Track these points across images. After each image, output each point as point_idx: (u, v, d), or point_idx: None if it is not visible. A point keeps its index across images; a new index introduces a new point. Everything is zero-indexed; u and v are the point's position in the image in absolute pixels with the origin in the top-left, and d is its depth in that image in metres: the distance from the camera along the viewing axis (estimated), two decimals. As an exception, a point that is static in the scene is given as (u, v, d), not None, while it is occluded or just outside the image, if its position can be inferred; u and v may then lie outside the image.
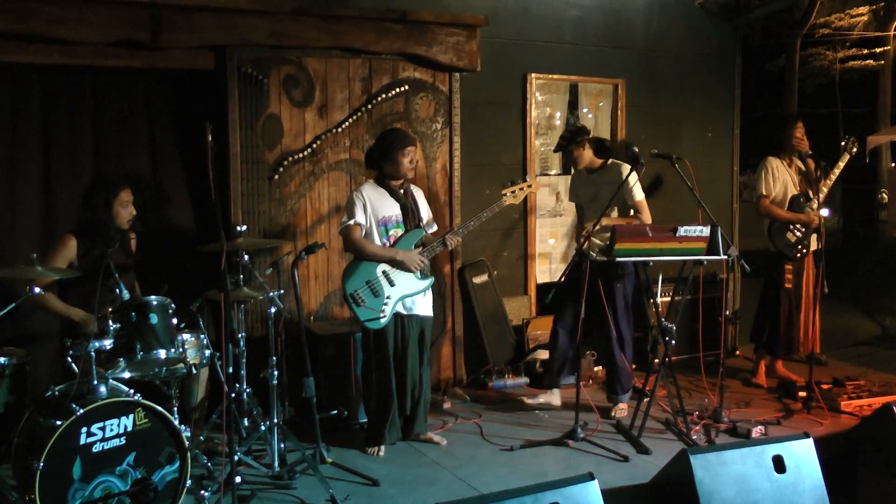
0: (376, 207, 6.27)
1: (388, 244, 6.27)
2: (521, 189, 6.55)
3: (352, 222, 6.20)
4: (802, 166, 7.85)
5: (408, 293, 6.30)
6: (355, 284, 6.18)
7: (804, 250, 7.80)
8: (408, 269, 6.25)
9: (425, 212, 6.58)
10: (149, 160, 7.13)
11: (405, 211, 6.37)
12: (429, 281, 6.41)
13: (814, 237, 7.78)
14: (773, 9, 10.38)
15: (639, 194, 7.12)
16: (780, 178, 7.75)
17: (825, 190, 7.68)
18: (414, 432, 6.56)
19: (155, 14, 6.51)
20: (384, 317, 6.20)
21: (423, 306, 6.44)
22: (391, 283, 6.24)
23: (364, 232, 6.24)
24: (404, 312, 6.33)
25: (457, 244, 6.52)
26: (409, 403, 6.45)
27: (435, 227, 6.63)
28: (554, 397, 7.42)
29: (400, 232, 6.32)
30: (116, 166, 6.98)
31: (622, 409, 7.21)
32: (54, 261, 5.78)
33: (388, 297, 6.22)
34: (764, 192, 7.76)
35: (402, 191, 6.39)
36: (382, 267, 6.23)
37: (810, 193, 7.68)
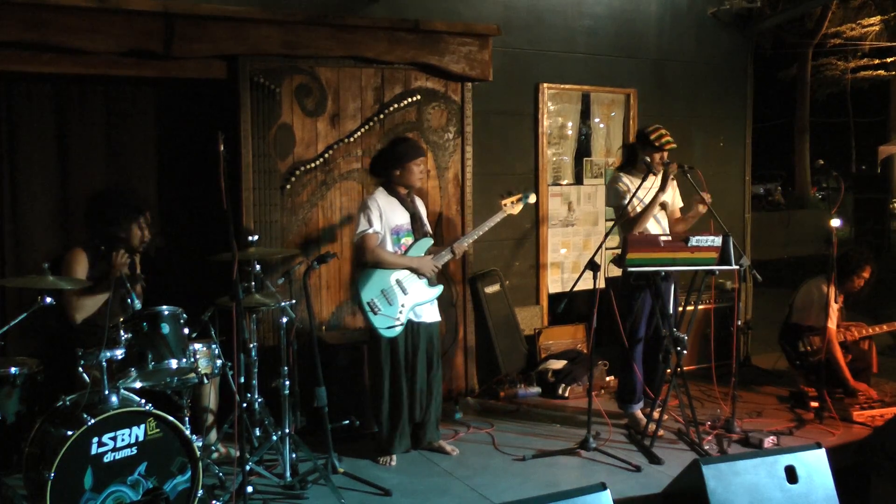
0: (389, 216, 6.28)
1: (399, 252, 6.29)
2: (519, 199, 6.59)
3: (370, 231, 6.20)
4: None
5: (420, 301, 6.32)
6: (371, 293, 6.19)
7: None
8: (422, 276, 6.30)
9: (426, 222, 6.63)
10: (161, 169, 7.14)
11: (414, 220, 6.40)
12: (438, 289, 6.46)
13: None
14: (785, 18, 10.38)
15: None
16: None
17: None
18: (426, 440, 6.56)
19: (168, 24, 6.53)
20: (399, 324, 6.22)
21: (431, 313, 6.48)
22: (404, 292, 6.25)
23: (379, 240, 6.26)
24: (415, 320, 6.35)
25: (462, 253, 6.53)
26: (418, 410, 6.46)
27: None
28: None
29: (410, 240, 6.35)
30: (128, 175, 7.00)
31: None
32: (75, 275, 5.80)
33: (402, 306, 6.23)
34: None
35: (409, 200, 6.42)
36: (396, 276, 6.25)
37: None
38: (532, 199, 6.72)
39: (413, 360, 6.37)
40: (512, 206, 6.56)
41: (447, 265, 6.72)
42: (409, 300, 6.27)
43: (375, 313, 6.17)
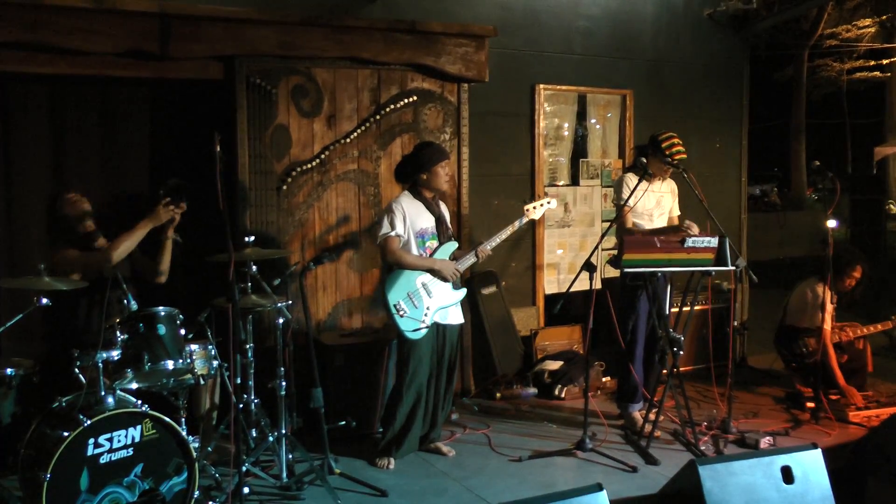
0: (413, 219, 6.28)
1: (425, 255, 6.30)
2: (542, 205, 6.66)
3: (393, 233, 6.20)
4: None
5: (445, 304, 6.35)
6: (397, 295, 6.19)
7: None
8: (444, 279, 6.31)
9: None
10: (157, 170, 7.13)
11: (439, 223, 6.42)
12: (463, 292, 6.50)
13: None
14: (780, 19, 10.38)
15: None
16: None
17: None
18: (430, 438, 6.57)
19: (164, 24, 6.52)
20: (425, 327, 6.23)
21: (456, 315, 6.51)
22: (430, 295, 6.27)
23: (402, 243, 6.26)
24: (441, 322, 6.37)
25: (485, 256, 6.54)
26: (440, 411, 6.51)
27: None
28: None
29: (435, 244, 6.37)
30: (124, 176, 7.00)
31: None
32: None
33: (427, 308, 6.24)
34: None
35: (434, 203, 6.43)
36: (422, 279, 6.27)
37: None
38: (553, 204, 6.80)
39: (439, 363, 6.42)
40: (534, 211, 6.61)
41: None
42: (435, 303, 6.29)
43: (401, 315, 6.17)
